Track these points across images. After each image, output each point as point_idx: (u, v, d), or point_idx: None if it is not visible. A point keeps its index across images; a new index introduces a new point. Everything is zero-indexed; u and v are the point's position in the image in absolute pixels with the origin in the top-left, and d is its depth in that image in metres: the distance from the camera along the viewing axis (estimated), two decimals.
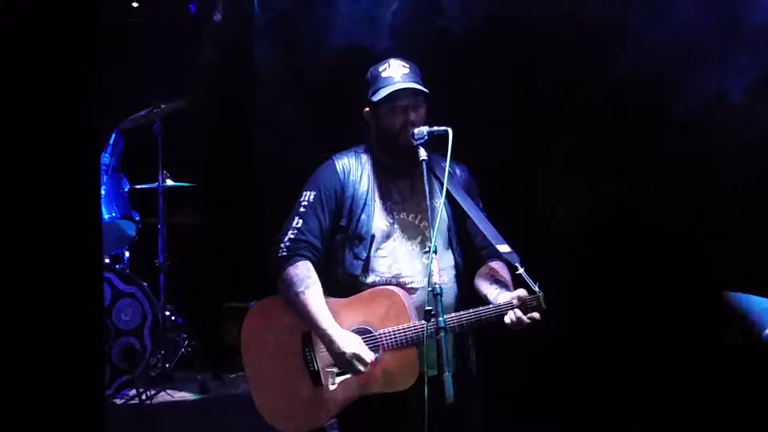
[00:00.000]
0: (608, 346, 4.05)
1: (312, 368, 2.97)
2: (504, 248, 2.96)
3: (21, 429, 1.93)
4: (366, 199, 3.05)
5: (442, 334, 2.67)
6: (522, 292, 2.88)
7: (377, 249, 3.02)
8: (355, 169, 3.09)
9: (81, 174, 2.02)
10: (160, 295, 5.22)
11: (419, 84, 3.01)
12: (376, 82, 3.06)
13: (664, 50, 3.72)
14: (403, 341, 2.90)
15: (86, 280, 2.01)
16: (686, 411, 3.85)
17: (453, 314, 2.89)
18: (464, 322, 2.89)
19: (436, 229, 2.79)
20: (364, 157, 3.13)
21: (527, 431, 4.15)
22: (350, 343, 2.90)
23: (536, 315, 2.85)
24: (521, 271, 2.89)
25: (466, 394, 2.85)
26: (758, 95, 3.53)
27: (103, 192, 4.91)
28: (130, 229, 5.17)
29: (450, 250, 3.08)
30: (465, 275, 3.09)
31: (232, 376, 5.14)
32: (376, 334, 2.93)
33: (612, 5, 3.91)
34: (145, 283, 4.92)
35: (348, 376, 2.93)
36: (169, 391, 4.78)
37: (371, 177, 3.09)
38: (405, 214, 3.07)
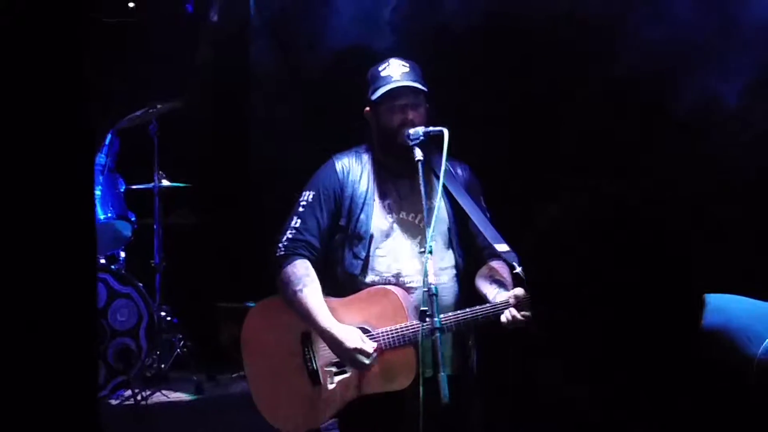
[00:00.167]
0: (608, 346, 4.03)
1: (311, 368, 2.96)
2: (502, 247, 2.95)
3: (15, 430, 1.92)
4: (365, 199, 3.04)
5: (438, 334, 2.66)
6: (519, 291, 2.87)
7: (376, 248, 3.01)
8: (355, 168, 3.08)
9: (76, 174, 2.01)
10: (155, 295, 5.20)
11: (419, 83, 3.00)
12: (375, 81, 3.05)
13: (663, 50, 3.71)
14: (401, 340, 2.89)
15: (80, 280, 2.01)
16: (686, 411, 3.83)
17: (450, 314, 2.88)
18: (460, 321, 2.88)
19: (431, 229, 2.78)
20: (365, 157, 3.12)
21: (527, 431, 4.14)
22: (351, 338, 2.88)
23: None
24: (519, 270, 2.88)
25: (467, 394, 2.84)
26: (758, 95, 3.53)
27: (98, 192, 4.90)
28: (126, 230, 5.16)
29: (450, 250, 3.06)
30: (466, 275, 3.08)
31: (229, 376, 5.13)
32: (374, 333, 2.92)
33: (611, 5, 3.91)
34: (141, 284, 4.92)
35: (346, 375, 2.92)
36: (164, 392, 4.79)
37: (371, 176, 3.08)
38: (404, 213, 3.06)
